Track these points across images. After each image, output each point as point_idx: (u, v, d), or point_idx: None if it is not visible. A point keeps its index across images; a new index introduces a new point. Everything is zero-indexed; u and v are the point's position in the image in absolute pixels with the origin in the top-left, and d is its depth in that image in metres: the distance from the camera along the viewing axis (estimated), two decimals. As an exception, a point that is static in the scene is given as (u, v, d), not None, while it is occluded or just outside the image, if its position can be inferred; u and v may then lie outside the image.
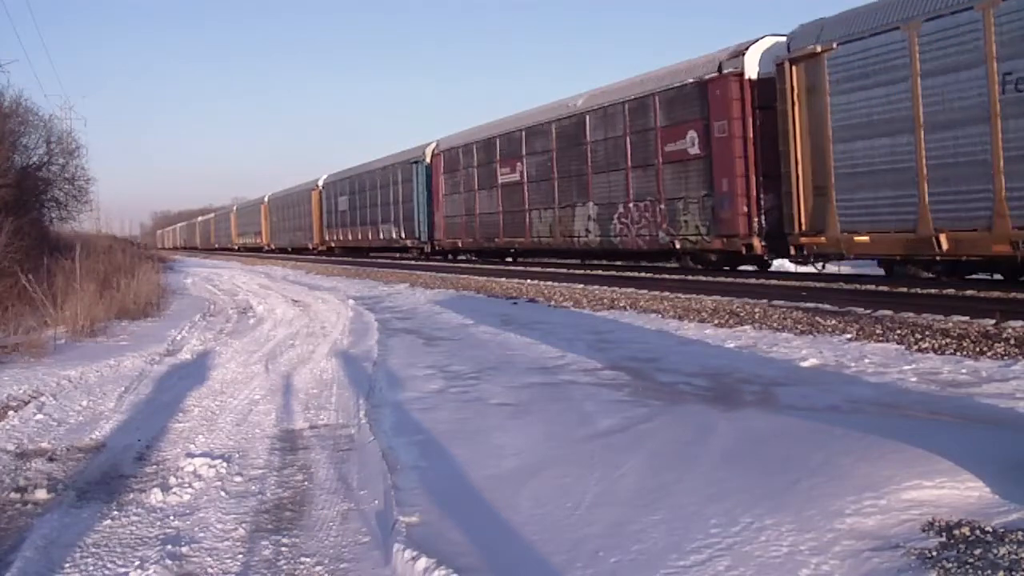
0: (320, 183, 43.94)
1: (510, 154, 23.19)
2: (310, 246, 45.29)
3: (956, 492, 3.39)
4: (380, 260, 33.41)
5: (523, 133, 22.53)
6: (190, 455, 4.99)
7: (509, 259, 26.25)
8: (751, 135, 14.69)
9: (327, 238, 42.53)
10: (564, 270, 20.38)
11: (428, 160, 29.24)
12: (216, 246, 78.42)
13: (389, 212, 33.20)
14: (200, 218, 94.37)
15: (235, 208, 71.94)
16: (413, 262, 30.17)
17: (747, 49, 15.00)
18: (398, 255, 34.12)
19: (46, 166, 24.19)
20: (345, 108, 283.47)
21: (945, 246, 11.16)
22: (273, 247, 55.20)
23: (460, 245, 27.19)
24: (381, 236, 34.10)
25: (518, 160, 22.69)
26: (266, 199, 57.45)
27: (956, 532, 3.03)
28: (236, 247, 68.21)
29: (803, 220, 13.44)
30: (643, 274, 17.43)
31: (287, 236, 51.15)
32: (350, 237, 38.66)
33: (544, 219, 21.55)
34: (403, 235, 31.78)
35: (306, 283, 22.47)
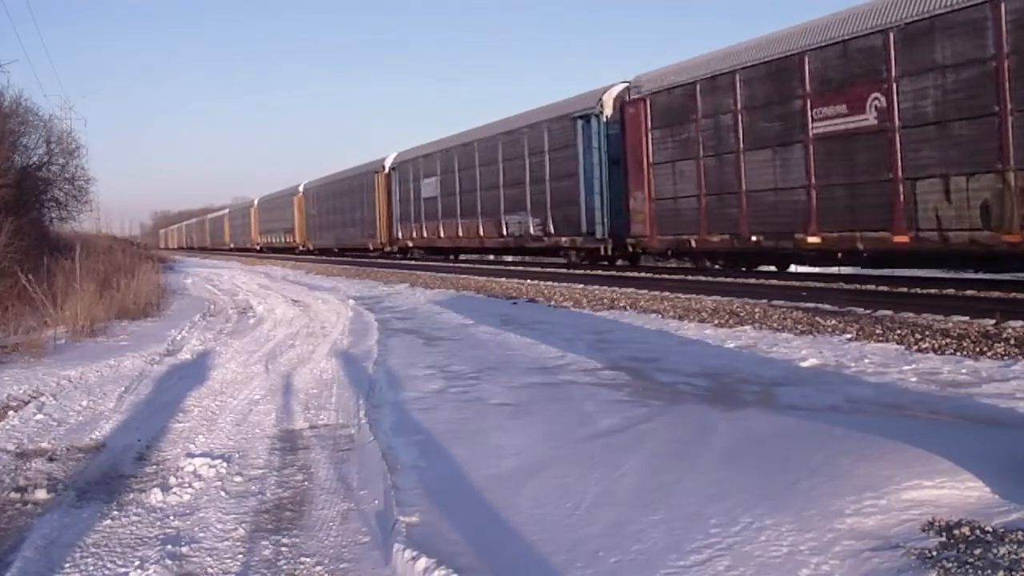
0: (388, 163, 33.56)
1: (848, 79, 12.74)
2: (371, 246, 35.15)
3: (956, 492, 3.39)
4: (380, 260, 33.04)
5: (890, 35, 12.02)
6: (190, 455, 4.99)
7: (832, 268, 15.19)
8: None
9: (400, 235, 31.92)
10: (564, 270, 20.32)
11: (609, 112, 19.12)
12: (232, 246, 66.88)
13: (522, 196, 22.55)
14: (211, 215, 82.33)
15: (256, 201, 59.30)
16: (415, 262, 29.63)
17: None
18: (528, 259, 25.12)
19: (46, 166, 24.20)
20: (345, 108, 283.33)
21: None
22: (312, 247, 44.53)
23: (693, 245, 16.39)
24: (506, 231, 23.53)
25: (874, 88, 12.26)
26: (301, 188, 46.46)
27: (956, 532, 3.02)
28: (258, 247, 57.38)
29: None
30: (643, 274, 17.40)
31: (333, 234, 40.38)
32: (443, 233, 28.05)
33: (966, 195, 11.01)
34: (553, 229, 21.10)
35: (306, 283, 22.47)
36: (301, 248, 46.41)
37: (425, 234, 29.73)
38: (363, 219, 36.14)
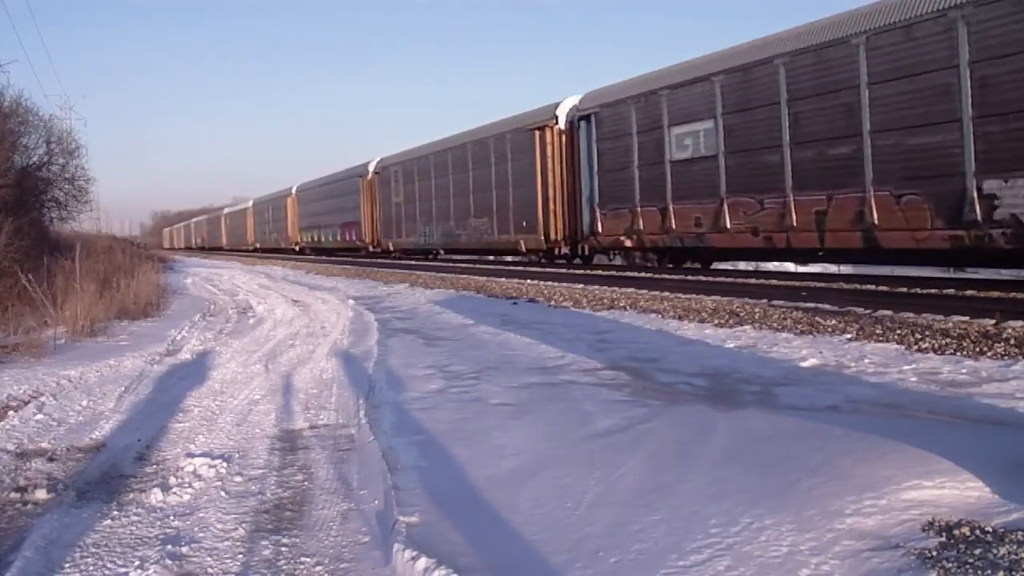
0: (564, 112, 20.79)
1: None
2: (524, 246, 22.37)
3: (956, 492, 3.39)
4: (380, 260, 32.70)
5: None
6: (190, 455, 4.99)
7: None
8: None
9: (599, 228, 18.91)
10: (564, 270, 20.30)
11: None
12: (257, 246, 55.14)
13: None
14: (229, 209, 69.51)
15: (295, 190, 46.54)
16: (413, 262, 29.38)
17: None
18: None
19: (46, 166, 24.20)
20: (345, 108, 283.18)
21: None
22: (392, 249, 32.36)
23: None
24: (984, 213, 10.89)
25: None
26: (372, 167, 34.25)
27: (956, 532, 3.02)
28: (297, 248, 45.58)
29: None
30: (643, 274, 17.38)
31: (440, 229, 27.55)
32: (728, 223, 15.24)
33: None
34: None
35: (306, 283, 22.46)
36: (371, 249, 34.35)
37: (674, 224, 16.54)
38: (506, 205, 22.80)
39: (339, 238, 38.23)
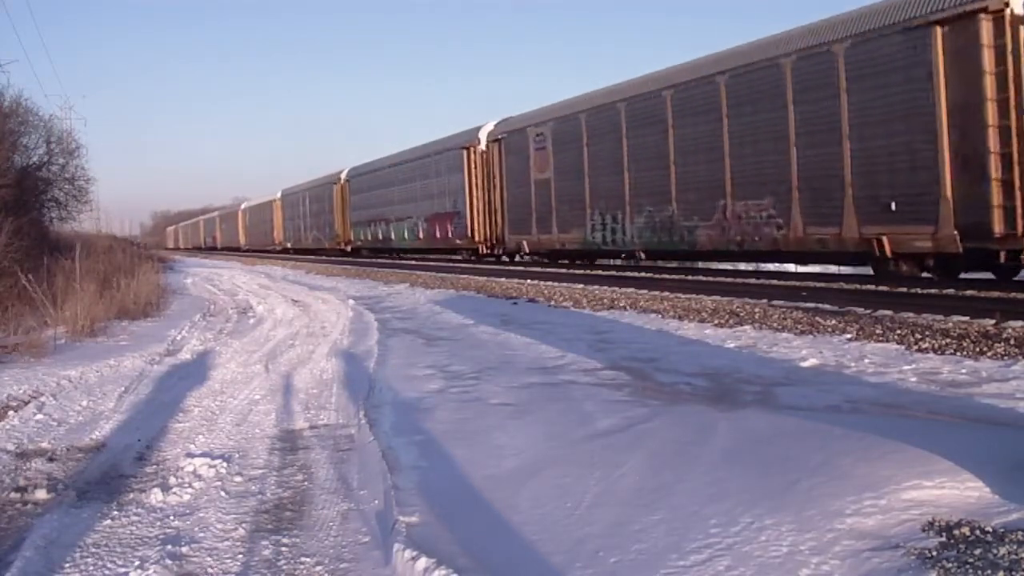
0: None
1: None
2: (884, 247, 12.07)
3: (956, 492, 3.39)
4: (380, 260, 32.53)
5: None
6: (190, 455, 4.99)
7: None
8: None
9: None
10: (564, 270, 20.28)
11: None
12: (287, 247, 44.66)
13: None
14: (248, 204, 58.14)
15: (344, 175, 36.60)
16: (414, 262, 29.15)
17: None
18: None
19: (46, 166, 24.22)
20: (346, 108, 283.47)
21: None
22: (527, 251, 22.55)
23: None
24: None
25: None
26: (483, 134, 23.89)
27: (956, 532, 3.02)
28: (348, 249, 36.05)
29: None
30: (643, 274, 17.36)
31: (643, 220, 17.08)
32: None
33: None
34: None
35: (306, 283, 22.46)
36: (485, 251, 24.61)
37: None
38: (828, 173, 12.96)
39: (422, 235, 28.09)
